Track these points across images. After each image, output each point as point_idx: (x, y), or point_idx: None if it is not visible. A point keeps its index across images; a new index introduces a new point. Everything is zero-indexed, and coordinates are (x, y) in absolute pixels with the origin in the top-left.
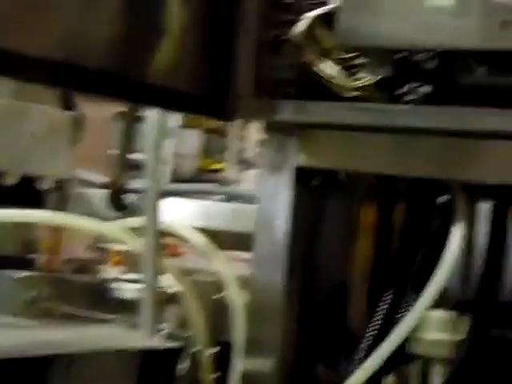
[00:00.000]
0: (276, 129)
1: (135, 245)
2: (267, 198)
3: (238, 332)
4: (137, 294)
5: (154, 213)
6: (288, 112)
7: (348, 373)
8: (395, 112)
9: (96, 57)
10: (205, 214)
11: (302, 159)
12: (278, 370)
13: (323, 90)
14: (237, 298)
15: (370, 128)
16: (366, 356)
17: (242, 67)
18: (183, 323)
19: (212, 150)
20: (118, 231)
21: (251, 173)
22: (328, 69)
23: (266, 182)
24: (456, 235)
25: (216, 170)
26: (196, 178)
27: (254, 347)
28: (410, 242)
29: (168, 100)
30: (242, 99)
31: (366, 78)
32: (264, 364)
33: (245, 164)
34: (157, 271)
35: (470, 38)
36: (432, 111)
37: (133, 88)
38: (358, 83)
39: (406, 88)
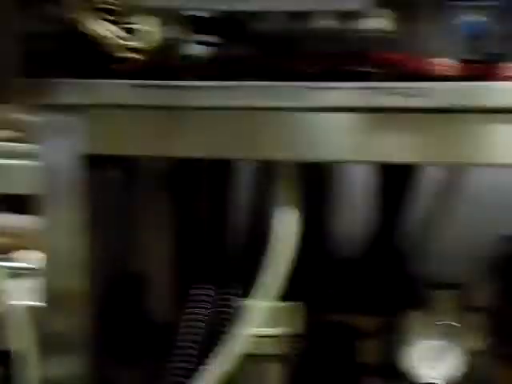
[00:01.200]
0: (54, 110)
1: None
2: (54, 188)
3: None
4: None
5: None
6: (65, 92)
7: (157, 375)
8: (184, 89)
9: None
10: None
11: (89, 145)
12: (77, 372)
13: (98, 56)
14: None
15: (154, 107)
16: (191, 361)
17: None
18: None
19: None
20: None
21: None
22: (101, 29)
23: (52, 173)
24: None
25: None
26: None
27: (46, 351)
28: (218, 225)
29: None
30: (5, 80)
31: (147, 39)
32: (62, 367)
33: None
34: None
35: None
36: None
37: None
38: (137, 43)
39: (191, 43)
